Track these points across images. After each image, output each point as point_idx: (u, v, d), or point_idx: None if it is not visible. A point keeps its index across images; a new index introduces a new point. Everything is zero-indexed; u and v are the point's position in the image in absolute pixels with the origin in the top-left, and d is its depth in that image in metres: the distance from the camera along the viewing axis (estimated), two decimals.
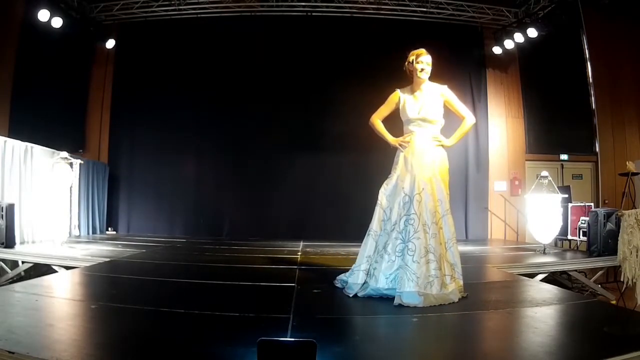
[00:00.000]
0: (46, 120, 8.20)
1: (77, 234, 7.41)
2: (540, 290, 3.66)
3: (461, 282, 3.25)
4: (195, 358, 2.00)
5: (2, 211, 5.48)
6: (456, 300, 3.06)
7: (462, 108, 3.53)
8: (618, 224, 5.41)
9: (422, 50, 3.55)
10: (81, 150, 9.06)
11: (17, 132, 7.27)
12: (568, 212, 6.89)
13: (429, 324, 2.67)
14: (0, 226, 5.46)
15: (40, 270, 5.20)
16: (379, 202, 3.38)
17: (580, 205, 7.03)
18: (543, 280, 4.98)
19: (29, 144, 6.56)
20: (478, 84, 9.80)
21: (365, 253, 3.32)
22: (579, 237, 6.63)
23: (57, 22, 7.86)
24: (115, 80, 9.63)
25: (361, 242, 3.41)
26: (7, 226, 5.53)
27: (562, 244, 7.35)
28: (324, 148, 8.91)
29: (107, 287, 3.61)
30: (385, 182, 3.43)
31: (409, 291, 2.97)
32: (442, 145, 3.42)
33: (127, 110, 9.45)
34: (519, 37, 8.95)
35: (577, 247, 6.89)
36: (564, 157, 9.91)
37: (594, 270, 5.63)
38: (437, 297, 2.99)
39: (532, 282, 4.11)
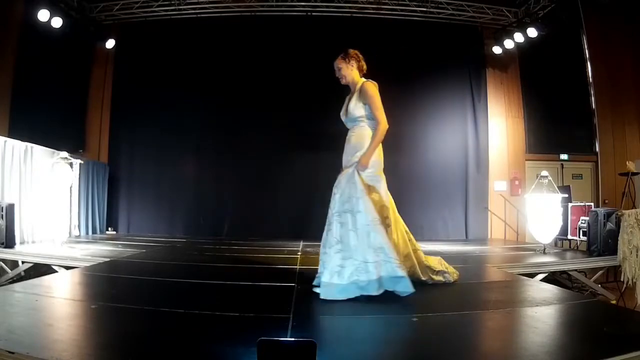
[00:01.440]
0: (46, 120, 8.19)
1: (77, 234, 7.42)
2: (540, 290, 3.66)
3: (396, 267, 3.03)
4: (195, 358, 2.00)
5: (2, 211, 5.48)
6: (375, 293, 3.00)
7: (375, 109, 3.31)
8: (618, 224, 5.41)
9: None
10: (81, 150, 9.06)
11: (17, 132, 7.26)
12: (568, 212, 6.88)
13: (429, 323, 2.67)
14: (0, 226, 5.46)
15: (40, 270, 5.20)
16: None
17: (580, 205, 7.02)
18: (543, 280, 4.98)
19: (29, 144, 6.56)
20: (478, 84, 9.80)
21: None
22: (579, 237, 6.63)
23: (57, 22, 7.86)
24: (115, 80, 9.64)
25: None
26: (7, 226, 5.53)
27: (562, 243, 7.35)
28: (324, 148, 8.84)
29: (107, 287, 3.61)
30: None
31: (323, 281, 3.08)
32: (361, 162, 3.27)
33: (127, 110, 9.46)
34: (519, 37, 8.96)
35: (577, 247, 6.89)
36: (564, 157, 9.92)
37: (594, 270, 5.63)
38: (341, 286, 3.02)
39: (532, 282, 4.10)
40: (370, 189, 3.26)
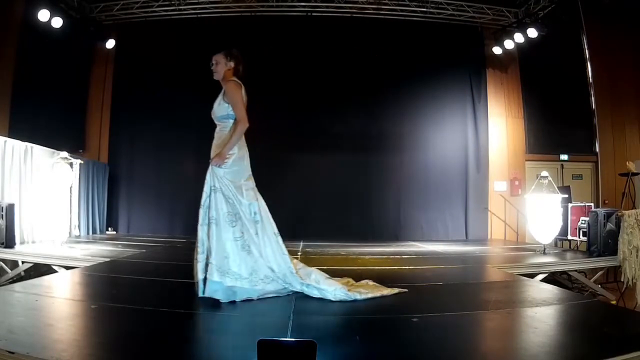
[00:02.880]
0: (46, 120, 8.19)
1: (77, 234, 7.41)
2: (540, 290, 3.66)
3: (215, 270, 2.94)
4: (195, 358, 2.00)
5: (2, 211, 5.48)
6: (205, 294, 2.92)
7: (234, 108, 3.31)
8: (618, 224, 5.41)
9: None
10: (81, 150, 9.05)
11: (17, 132, 7.26)
12: (568, 212, 6.88)
13: (429, 324, 2.67)
14: (0, 226, 5.46)
15: (40, 270, 5.20)
16: None
17: (580, 206, 7.02)
18: (543, 280, 4.97)
19: (29, 144, 6.56)
20: (478, 84, 9.80)
21: None
22: (579, 237, 6.63)
23: (57, 22, 7.86)
24: (115, 80, 9.65)
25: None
26: (7, 226, 5.52)
27: (562, 244, 7.35)
28: (324, 147, 8.91)
29: (107, 287, 3.61)
30: None
31: (200, 279, 3.08)
32: (212, 158, 3.32)
33: (127, 110, 9.46)
34: (519, 37, 8.96)
35: (577, 247, 6.89)
36: (564, 157, 9.92)
37: (594, 271, 5.62)
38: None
39: (532, 282, 4.11)
40: (227, 185, 3.29)
